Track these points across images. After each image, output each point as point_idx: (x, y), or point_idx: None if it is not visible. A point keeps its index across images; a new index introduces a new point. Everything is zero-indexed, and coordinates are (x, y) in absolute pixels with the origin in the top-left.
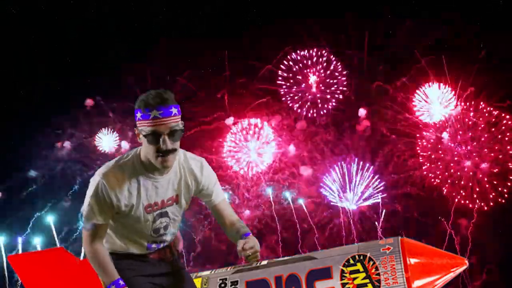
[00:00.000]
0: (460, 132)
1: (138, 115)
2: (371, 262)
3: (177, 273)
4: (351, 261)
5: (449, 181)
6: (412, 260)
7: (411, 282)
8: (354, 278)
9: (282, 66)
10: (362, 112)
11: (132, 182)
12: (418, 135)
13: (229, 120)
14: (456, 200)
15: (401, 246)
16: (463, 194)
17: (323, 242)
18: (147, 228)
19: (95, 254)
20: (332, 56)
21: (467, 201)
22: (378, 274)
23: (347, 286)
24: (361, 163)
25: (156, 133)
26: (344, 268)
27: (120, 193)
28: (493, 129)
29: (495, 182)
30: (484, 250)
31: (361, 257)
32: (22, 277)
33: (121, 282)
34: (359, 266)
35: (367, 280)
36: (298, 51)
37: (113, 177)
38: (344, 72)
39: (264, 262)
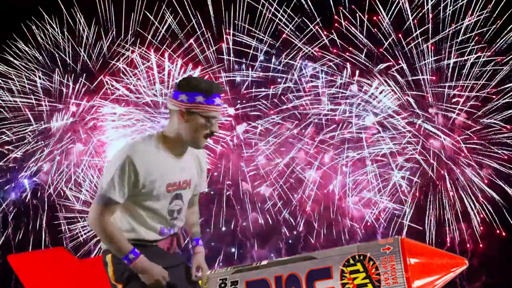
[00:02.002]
0: None
1: (200, 98)
2: (371, 262)
3: (181, 267)
4: (351, 261)
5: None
6: (412, 260)
7: (411, 282)
8: (354, 278)
9: None
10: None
11: (158, 159)
12: None
13: None
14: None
15: (401, 246)
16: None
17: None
18: (164, 209)
19: (107, 226)
20: None
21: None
22: (378, 274)
23: (347, 286)
24: None
25: (214, 118)
26: (344, 268)
27: (147, 168)
28: None
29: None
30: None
31: (361, 257)
32: (22, 277)
33: (137, 250)
34: (359, 266)
35: (367, 280)
36: None
37: (141, 152)
38: None
39: (264, 262)
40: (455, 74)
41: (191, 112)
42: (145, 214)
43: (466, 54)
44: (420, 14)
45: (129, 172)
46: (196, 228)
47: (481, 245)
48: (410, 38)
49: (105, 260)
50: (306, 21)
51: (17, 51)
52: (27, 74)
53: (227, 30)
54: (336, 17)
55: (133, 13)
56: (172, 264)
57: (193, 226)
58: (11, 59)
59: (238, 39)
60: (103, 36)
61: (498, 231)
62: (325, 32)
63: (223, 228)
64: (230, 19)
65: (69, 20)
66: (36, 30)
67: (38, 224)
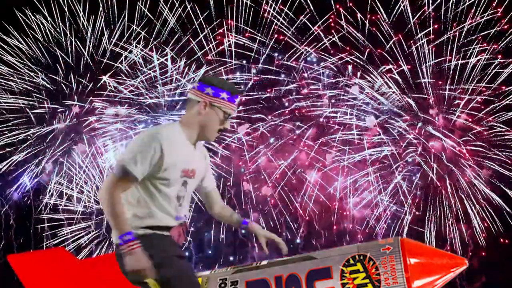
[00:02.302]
0: None
1: (224, 95)
2: (371, 262)
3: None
4: (351, 261)
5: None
6: (412, 260)
7: (411, 282)
8: (354, 278)
9: None
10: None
11: (181, 144)
12: None
13: None
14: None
15: (401, 246)
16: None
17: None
18: (174, 194)
19: (115, 199)
20: None
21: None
22: (378, 274)
23: (347, 286)
24: None
25: (230, 115)
26: (344, 268)
27: (171, 151)
28: None
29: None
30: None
31: (361, 257)
32: (22, 277)
33: (133, 236)
34: (359, 266)
35: (367, 280)
36: None
37: (168, 135)
38: None
39: (264, 262)
40: (456, 76)
41: (213, 105)
42: (161, 198)
43: (468, 56)
44: (422, 17)
45: (155, 150)
46: (236, 215)
47: (481, 246)
48: (411, 40)
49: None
50: (307, 23)
51: (18, 51)
52: (27, 73)
53: (229, 33)
54: (337, 19)
55: (136, 14)
56: (183, 255)
57: (233, 215)
58: (11, 59)
59: (240, 41)
60: (106, 36)
61: (498, 233)
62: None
63: (224, 228)
64: (231, 18)
65: (71, 19)
66: (37, 29)
67: (39, 225)
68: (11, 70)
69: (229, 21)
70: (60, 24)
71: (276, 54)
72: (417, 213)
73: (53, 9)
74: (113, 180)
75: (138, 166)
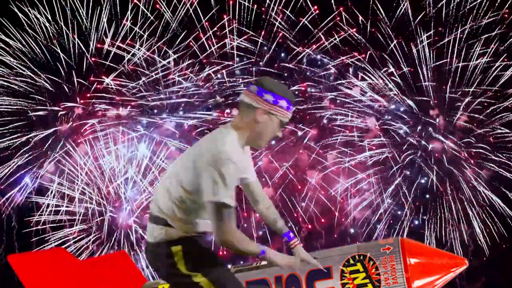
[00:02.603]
0: None
1: (283, 103)
2: (371, 262)
3: None
4: (351, 261)
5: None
6: (412, 260)
7: (411, 282)
8: (354, 278)
9: None
10: None
11: (243, 156)
12: None
13: None
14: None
15: (401, 246)
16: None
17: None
18: None
19: (239, 239)
20: None
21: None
22: (378, 274)
23: (347, 286)
24: None
25: (285, 124)
26: (344, 268)
27: (240, 167)
28: None
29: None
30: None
31: (361, 257)
32: (22, 277)
33: (262, 247)
34: (359, 266)
35: (367, 280)
36: None
37: (235, 152)
38: None
39: (264, 262)
40: (457, 78)
41: (271, 113)
42: None
43: (469, 59)
44: (425, 18)
45: (233, 175)
46: (280, 223)
47: (481, 247)
48: (412, 42)
49: (168, 251)
50: (308, 25)
51: (18, 51)
52: (29, 74)
53: (231, 36)
54: (338, 21)
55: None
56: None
57: (276, 223)
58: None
59: (242, 44)
60: (109, 35)
61: (498, 234)
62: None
63: None
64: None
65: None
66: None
67: (41, 225)
68: (11, 71)
69: (230, 19)
70: (61, 22)
71: (278, 55)
72: (414, 211)
73: (55, 7)
74: (229, 225)
75: (232, 195)
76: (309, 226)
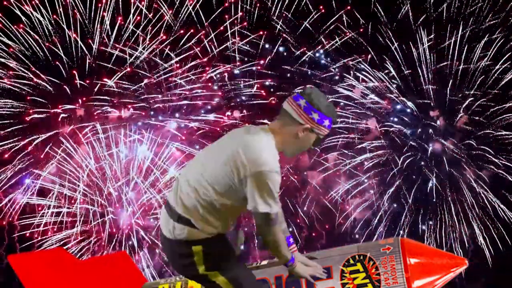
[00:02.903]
0: None
1: (326, 122)
2: (371, 262)
3: None
4: (351, 261)
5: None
6: (412, 260)
7: (411, 282)
8: (354, 278)
9: None
10: None
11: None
12: None
13: None
14: None
15: (401, 246)
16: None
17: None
18: None
19: (282, 238)
20: None
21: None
22: (378, 274)
23: (347, 286)
24: None
25: (320, 141)
26: (344, 268)
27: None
28: None
29: None
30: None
31: (361, 257)
32: (22, 277)
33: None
34: (359, 266)
35: (367, 280)
36: None
37: (276, 161)
38: None
39: (264, 262)
40: (457, 80)
41: (313, 131)
42: (239, 210)
43: (469, 61)
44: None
45: (278, 185)
46: (284, 225)
47: (481, 248)
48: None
49: (189, 250)
50: (310, 27)
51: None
52: (30, 76)
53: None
54: (339, 24)
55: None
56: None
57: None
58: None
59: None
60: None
61: (498, 235)
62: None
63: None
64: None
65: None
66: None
67: (42, 226)
68: (11, 73)
69: (232, 21)
70: (62, 24)
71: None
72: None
73: (56, 8)
74: (274, 228)
75: (277, 203)
76: (309, 227)
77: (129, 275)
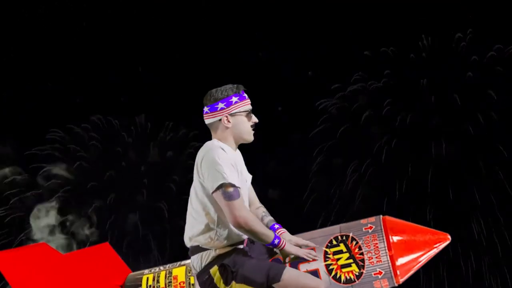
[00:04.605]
0: None
1: (234, 99)
2: (354, 242)
3: None
4: (334, 242)
5: None
6: (395, 238)
7: (395, 260)
8: (338, 259)
9: None
10: None
11: (233, 156)
12: None
13: None
14: None
15: (383, 225)
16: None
17: None
18: (245, 194)
19: (253, 216)
20: None
21: None
22: (362, 254)
23: (331, 267)
24: None
25: (250, 110)
26: (327, 250)
27: (233, 163)
28: None
29: None
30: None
31: (344, 238)
32: (7, 275)
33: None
34: (342, 247)
35: (351, 260)
36: None
37: (223, 147)
38: None
39: None
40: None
41: (232, 114)
42: None
43: None
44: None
45: (227, 159)
46: (267, 219)
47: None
48: None
49: (208, 275)
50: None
51: None
52: None
53: None
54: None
55: None
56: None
57: (263, 218)
58: None
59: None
60: None
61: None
62: None
63: None
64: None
65: None
66: None
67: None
68: None
69: None
70: None
71: None
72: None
73: None
74: (237, 201)
75: (235, 178)
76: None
77: (113, 266)
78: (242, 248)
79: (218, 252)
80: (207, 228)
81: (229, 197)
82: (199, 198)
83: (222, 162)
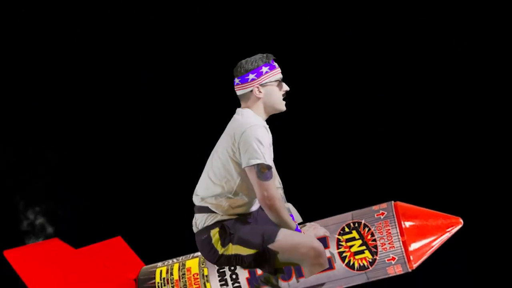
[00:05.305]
0: None
1: (265, 69)
2: (367, 229)
3: None
4: (346, 229)
5: None
6: (407, 223)
7: (408, 246)
8: (351, 246)
9: None
10: None
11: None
12: None
13: None
14: None
15: (395, 210)
16: None
17: None
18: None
19: (281, 201)
20: None
21: None
22: (374, 240)
23: (344, 254)
24: None
25: (281, 79)
26: (339, 237)
27: (271, 144)
28: None
29: None
30: None
31: (356, 224)
32: (20, 272)
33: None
34: (354, 234)
35: (364, 247)
36: None
37: (261, 121)
38: None
39: None
40: None
41: (263, 84)
42: None
43: None
44: None
45: (266, 137)
46: (285, 204)
47: None
48: None
49: (207, 236)
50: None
51: None
52: None
53: None
54: None
55: None
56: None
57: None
58: None
59: None
60: None
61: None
62: None
63: None
64: None
65: None
66: None
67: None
68: None
69: None
70: None
71: None
72: None
73: None
74: (270, 186)
75: (269, 156)
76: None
77: (126, 260)
78: (246, 217)
79: (224, 217)
80: (223, 195)
81: (263, 177)
82: (223, 164)
83: (264, 141)
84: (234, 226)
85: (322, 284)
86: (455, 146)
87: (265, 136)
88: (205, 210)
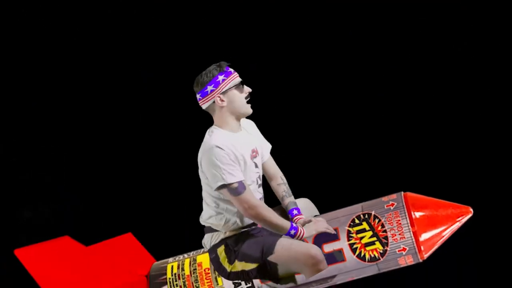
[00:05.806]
0: None
1: (220, 77)
2: (377, 220)
3: None
4: (357, 221)
5: None
6: (417, 214)
7: (418, 236)
8: (361, 238)
9: None
10: None
11: (233, 139)
12: None
13: None
14: None
15: (404, 201)
16: None
17: None
18: (253, 178)
19: (265, 206)
20: None
21: None
22: (385, 231)
23: (354, 246)
24: None
25: (240, 83)
26: (350, 229)
27: (232, 149)
28: None
29: None
30: None
31: (366, 216)
32: (31, 270)
33: (294, 224)
34: (365, 225)
35: (375, 238)
36: None
37: (223, 140)
38: None
39: None
40: None
41: (223, 92)
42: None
43: None
44: None
45: (223, 156)
46: (289, 199)
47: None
48: None
49: (216, 255)
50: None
51: None
52: None
53: None
54: None
55: None
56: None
57: (285, 199)
58: None
59: None
60: None
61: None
62: None
63: None
64: None
65: None
66: None
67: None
68: None
69: None
70: None
71: None
72: None
73: None
74: (245, 194)
75: (234, 171)
76: None
77: (137, 256)
78: (249, 230)
79: (228, 234)
80: (217, 214)
81: (236, 193)
82: (205, 187)
83: (220, 161)
84: (237, 242)
85: (334, 276)
86: (463, 136)
87: (220, 155)
88: (209, 230)
